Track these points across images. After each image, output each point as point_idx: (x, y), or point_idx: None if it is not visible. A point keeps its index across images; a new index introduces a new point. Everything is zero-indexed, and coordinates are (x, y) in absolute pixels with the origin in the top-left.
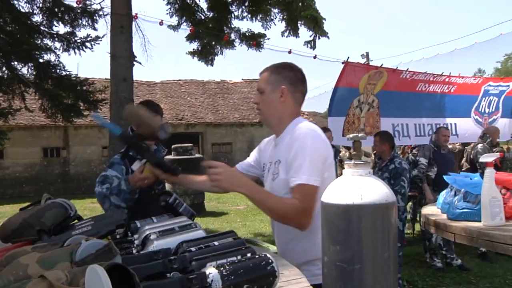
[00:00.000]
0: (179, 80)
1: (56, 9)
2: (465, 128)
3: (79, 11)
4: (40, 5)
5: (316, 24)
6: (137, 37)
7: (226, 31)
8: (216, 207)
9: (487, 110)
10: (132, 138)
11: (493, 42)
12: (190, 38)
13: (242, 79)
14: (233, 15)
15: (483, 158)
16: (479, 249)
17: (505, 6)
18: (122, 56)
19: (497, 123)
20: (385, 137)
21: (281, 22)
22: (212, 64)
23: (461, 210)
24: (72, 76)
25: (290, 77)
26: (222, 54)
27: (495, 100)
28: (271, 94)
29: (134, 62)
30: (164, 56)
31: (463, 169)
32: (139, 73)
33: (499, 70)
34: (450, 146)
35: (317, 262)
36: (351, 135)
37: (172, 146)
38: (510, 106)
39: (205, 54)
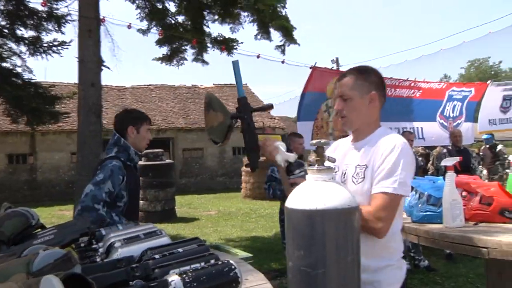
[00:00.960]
0: (150, 85)
1: (19, 13)
2: (431, 131)
3: (44, 15)
4: (2, 7)
5: (287, 33)
6: (106, 41)
7: (199, 36)
8: (187, 213)
9: (451, 115)
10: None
11: (457, 49)
12: (160, 42)
13: (213, 84)
14: (205, 19)
15: (444, 162)
16: (445, 250)
17: (467, 14)
18: (90, 61)
19: (461, 127)
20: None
21: (253, 25)
22: (180, 64)
23: (425, 213)
24: (34, 80)
25: (376, 82)
26: (195, 61)
27: (459, 104)
28: (360, 100)
29: (103, 67)
30: (135, 60)
31: (429, 173)
32: (109, 78)
33: (463, 76)
34: (413, 150)
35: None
36: (314, 141)
37: (143, 152)
38: (472, 111)
39: (175, 60)
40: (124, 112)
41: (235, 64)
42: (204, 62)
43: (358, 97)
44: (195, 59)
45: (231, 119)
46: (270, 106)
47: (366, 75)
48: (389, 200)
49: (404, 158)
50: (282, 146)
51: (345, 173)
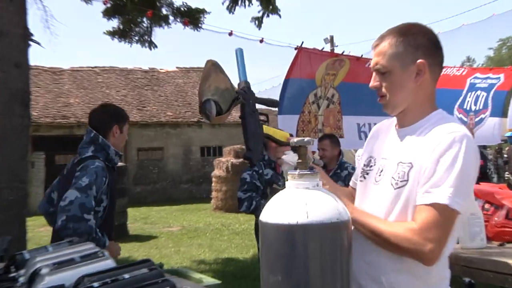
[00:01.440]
0: (96, 67)
1: None
2: None
3: None
4: None
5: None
6: (34, 8)
7: (156, 5)
8: (143, 229)
9: (473, 108)
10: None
11: (484, 24)
12: (107, 13)
13: (177, 68)
14: None
15: None
16: (463, 278)
17: None
18: (13, 34)
19: (485, 123)
20: (337, 140)
21: None
22: (150, 46)
23: None
24: None
25: (425, 45)
26: (150, 35)
27: (483, 95)
28: (402, 73)
29: (31, 43)
30: (76, 36)
31: None
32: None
33: (491, 59)
34: None
35: None
36: (295, 139)
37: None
38: (501, 102)
39: (131, 36)
40: (105, 108)
41: (239, 53)
42: (151, 44)
43: (400, 68)
44: (140, 41)
45: (236, 93)
46: (275, 103)
47: (410, 37)
48: (443, 215)
49: (466, 158)
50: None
51: (381, 171)
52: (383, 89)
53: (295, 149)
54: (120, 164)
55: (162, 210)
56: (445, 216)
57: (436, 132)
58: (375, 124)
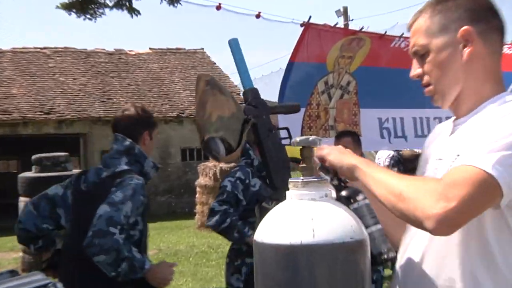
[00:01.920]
0: (45, 48)
1: None
2: None
3: None
4: None
5: None
6: None
7: None
8: None
9: None
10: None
11: None
12: None
13: (151, 49)
14: None
15: None
16: None
17: None
18: None
19: None
20: (359, 139)
21: None
22: (131, 12)
23: None
24: None
25: (470, 8)
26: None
27: None
28: (444, 49)
29: None
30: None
31: None
32: None
33: None
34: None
35: None
36: (297, 138)
37: (33, 157)
38: None
39: (91, 8)
40: (135, 112)
41: (233, 44)
42: (132, 10)
43: (441, 44)
44: (118, 5)
45: (244, 114)
46: (296, 107)
47: (450, 2)
48: (475, 178)
49: None
50: None
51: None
52: (426, 77)
53: (326, 169)
54: (76, 171)
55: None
56: (478, 181)
57: (491, 111)
58: (401, 119)
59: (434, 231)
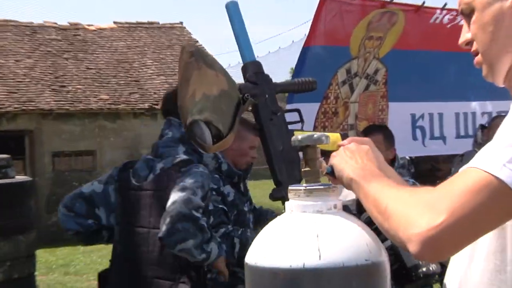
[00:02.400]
0: None
1: None
2: None
3: None
4: None
5: None
6: None
7: None
8: (62, 284)
9: None
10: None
11: None
12: None
13: (115, 24)
14: None
15: None
16: None
17: None
18: None
19: None
20: (391, 135)
21: None
22: None
23: None
24: None
25: None
26: None
27: None
28: (488, 8)
29: None
30: None
31: None
32: None
33: None
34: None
35: None
36: (299, 136)
37: None
38: None
39: None
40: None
41: (232, 8)
42: None
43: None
44: None
45: (240, 93)
46: (311, 84)
47: None
48: (478, 184)
49: None
50: None
51: None
52: (475, 43)
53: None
54: (21, 178)
55: (94, 252)
56: (481, 187)
57: None
58: (440, 115)
59: (417, 255)
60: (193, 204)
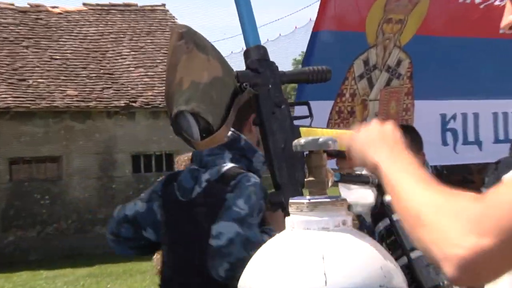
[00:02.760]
0: None
1: None
2: None
3: None
4: None
5: None
6: None
7: None
8: None
9: None
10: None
11: None
12: None
13: (85, 5)
14: None
15: None
16: None
17: None
18: None
19: None
20: (419, 138)
21: None
22: None
23: None
24: None
25: None
26: None
27: None
28: None
29: None
30: None
31: None
32: None
33: None
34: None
35: None
36: (302, 140)
37: None
38: None
39: None
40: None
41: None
42: None
43: None
44: None
45: (238, 81)
46: (325, 73)
47: None
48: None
49: None
50: None
51: None
52: None
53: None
54: None
55: (59, 277)
56: None
57: None
58: (474, 114)
59: (453, 278)
60: (252, 245)
